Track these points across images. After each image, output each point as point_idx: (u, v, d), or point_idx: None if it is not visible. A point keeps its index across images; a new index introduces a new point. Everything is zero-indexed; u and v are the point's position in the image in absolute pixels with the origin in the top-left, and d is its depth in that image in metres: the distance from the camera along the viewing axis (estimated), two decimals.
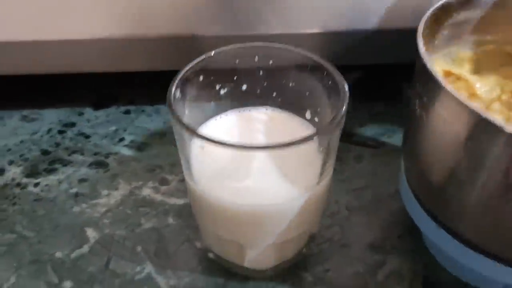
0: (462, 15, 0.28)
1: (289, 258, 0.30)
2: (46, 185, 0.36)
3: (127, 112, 0.42)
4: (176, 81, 0.25)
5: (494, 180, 0.22)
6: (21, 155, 0.38)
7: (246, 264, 0.30)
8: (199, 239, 0.33)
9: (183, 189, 0.36)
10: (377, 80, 0.43)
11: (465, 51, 0.30)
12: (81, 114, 0.41)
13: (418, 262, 0.32)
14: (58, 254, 0.32)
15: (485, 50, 0.30)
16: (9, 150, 0.39)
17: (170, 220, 0.34)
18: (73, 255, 0.32)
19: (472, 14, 0.28)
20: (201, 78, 0.27)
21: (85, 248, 0.33)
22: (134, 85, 0.43)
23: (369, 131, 0.40)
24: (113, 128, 0.40)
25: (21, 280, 0.31)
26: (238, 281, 0.31)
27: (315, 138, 0.23)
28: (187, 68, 0.26)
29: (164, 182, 0.37)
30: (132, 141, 0.39)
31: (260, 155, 0.24)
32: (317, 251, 0.33)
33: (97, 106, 0.42)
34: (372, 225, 0.34)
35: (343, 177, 0.37)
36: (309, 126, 0.28)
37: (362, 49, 0.36)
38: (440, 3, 0.27)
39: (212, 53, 0.27)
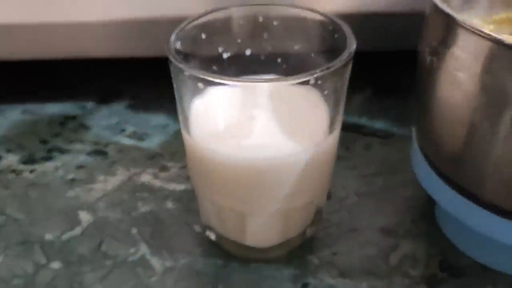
0: None
1: (293, 236, 0.28)
2: (42, 171, 0.35)
3: (130, 106, 0.41)
4: (177, 31, 0.25)
5: None
6: (19, 144, 0.37)
7: (248, 241, 0.28)
8: (198, 223, 0.31)
9: (184, 175, 0.34)
10: (387, 75, 0.42)
11: (477, 21, 0.29)
12: (83, 108, 0.40)
13: (434, 246, 0.30)
14: (48, 236, 0.31)
15: (496, 19, 0.30)
16: (8, 140, 0.38)
17: (169, 204, 0.32)
18: (64, 237, 0.31)
19: None
20: (203, 36, 0.27)
21: (77, 230, 0.31)
22: (138, 81, 0.43)
23: (379, 124, 0.38)
24: (115, 120, 0.39)
25: (8, 260, 0.29)
26: (239, 263, 0.29)
27: (319, 81, 0.22)
28: (188, 20, 0.25)
29: (164, 169, 0.35)
30: (133, 132, 0.38)
31: (263, 104, 0.23)
32: (324, 235, 0.30)
33: (100, 101, 0.41)
34: (383, 210, 0.32)
35: (351, 164, 0.35)
36: (317, 93, 0.27)
37: (373, 33, 0.36)
38: None
39: (216, 10, 0.26)
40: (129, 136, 0.38)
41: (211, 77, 0.22)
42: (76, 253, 0.30)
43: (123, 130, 0.38)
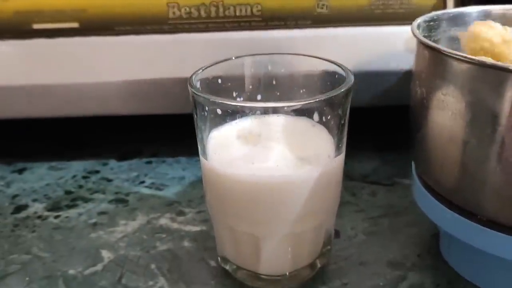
0: (453, 31, 0.31)
1: (304, 266, 0.30)
2: (66, 217, 0.37)
3: (149, 162, 0.44)
4: (196, 74, 0.28)
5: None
6: (45, 195, 0.40)
7: (261, 268, 0.29)
8: (214, 258, 0.32)
9: (200, 219, 0.36)
10: (388, 129, 0.45)
11: None
12: (105, 164, 0.43)
13: (440, 277, 0.31)
14: (71, 271, 0.32)
15: None
16: (34, 191, 0.40)
17: (186, 243, 0.34)
18: (86, 272, 0.32)
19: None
20: (219, 81, 0.30)
21: (99, 266, 0.32)
22: (156, 140, 0.46)
23: (382, 173, 0.41)
24: (135, 173, 0.42)
25: None
26: None
27: (325, 108, 0.25)
28: (206, 66, 0.29)
29: (181, 213, 0.37)
30: (152, 183, 0.41)
31: (273, 128, 0.26)
32: (335, 268, 0.32)
33: (121, 158, 0.44)
34: (390, 246, 0.33)
35: (358, 208, 0.37)
36: (321, 127, 0.30)
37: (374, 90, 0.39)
38: (429, 14, 0.30)
39: (231, 58, 0.30)
40: (148, 187, 0.40)
41: (230, 101, 0.25)
42: (97, 286, 0.31)
43: (142, 182, 0.41)
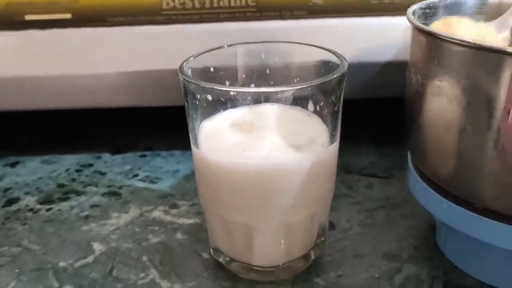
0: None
1: (298, 257, 0.29)
2: (58, 209, 0.37)
3: (143, 156, 0.43)
4: (188, 61, 0.28)
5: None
6: (37, 188, 0.39)
7: (255, 260, 0.29)
8: (207, 251, 0.32)
9: (193, 211, 0.36)
10: (385, 121, 0.45)
11: None
12: (99, 157, 0.43)
13: (437, 268, 0.30)
14: (62, 263, 0.32)
15: None
16: (26, 184, 0.40)
17: (179, 235, 0.34)
18: (76, 264, 0.32)
19: None
20: (211, 69, 0.30)
21: (90, 259, 0.32)
22: (150, 134, 0.46)
23: (379, 166, 0.40)
24: (129, 167, 0.42)
25: (21, 284, 0.30)
26: (246, 285, 0.30)
27: (319, 95, 0.25)
28: (198, 53, 0.28)
29: (174, 206, 0.37)
30: (146, 176, 0.40)
31: (266, 117, 0.25)
32: (329, 259, 0.31)
33: (115, 151, 0.44)
34: (386, 238, 0.33)
35: (354, 200, 0.36)
36: (315, 116, 0.29)
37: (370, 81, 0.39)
38: (425, 1, 0.30)
39: (223, 46, 0.30)
40: (142, 180, 0.40)
41: (221, 87, 0.24)
42: (88, 278, 0.30)
43: (136, 175, 0.40)
